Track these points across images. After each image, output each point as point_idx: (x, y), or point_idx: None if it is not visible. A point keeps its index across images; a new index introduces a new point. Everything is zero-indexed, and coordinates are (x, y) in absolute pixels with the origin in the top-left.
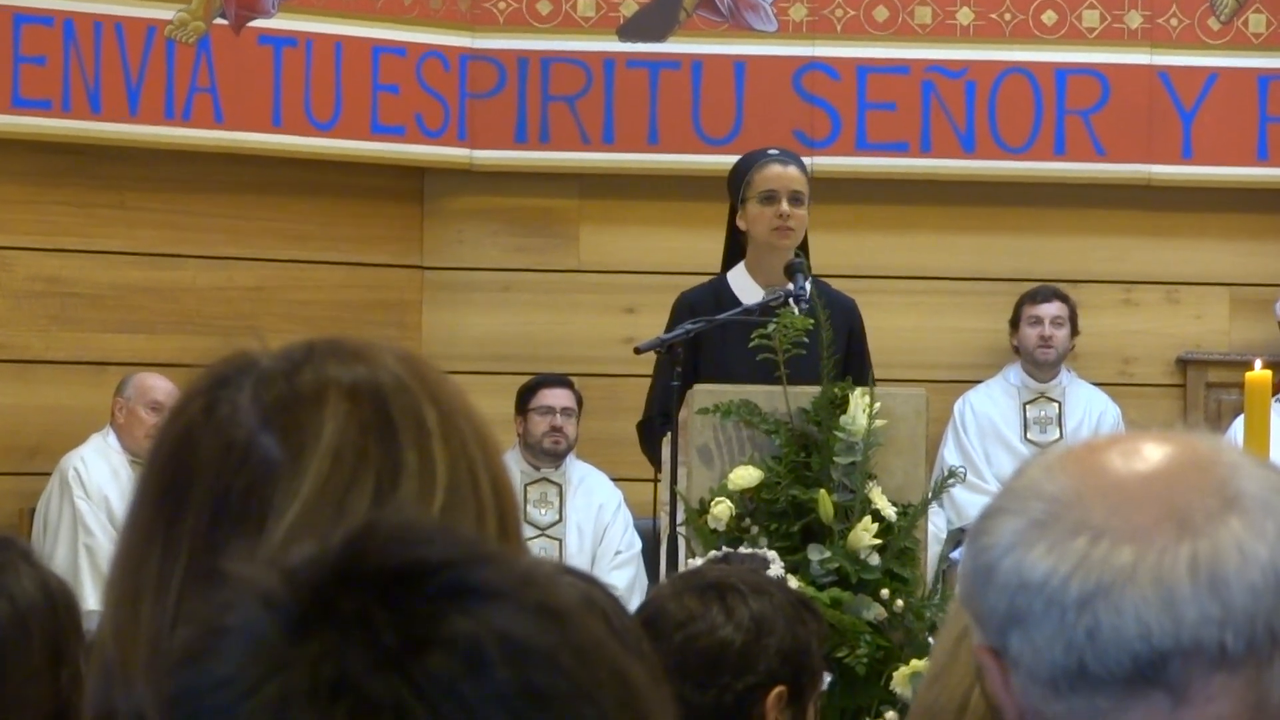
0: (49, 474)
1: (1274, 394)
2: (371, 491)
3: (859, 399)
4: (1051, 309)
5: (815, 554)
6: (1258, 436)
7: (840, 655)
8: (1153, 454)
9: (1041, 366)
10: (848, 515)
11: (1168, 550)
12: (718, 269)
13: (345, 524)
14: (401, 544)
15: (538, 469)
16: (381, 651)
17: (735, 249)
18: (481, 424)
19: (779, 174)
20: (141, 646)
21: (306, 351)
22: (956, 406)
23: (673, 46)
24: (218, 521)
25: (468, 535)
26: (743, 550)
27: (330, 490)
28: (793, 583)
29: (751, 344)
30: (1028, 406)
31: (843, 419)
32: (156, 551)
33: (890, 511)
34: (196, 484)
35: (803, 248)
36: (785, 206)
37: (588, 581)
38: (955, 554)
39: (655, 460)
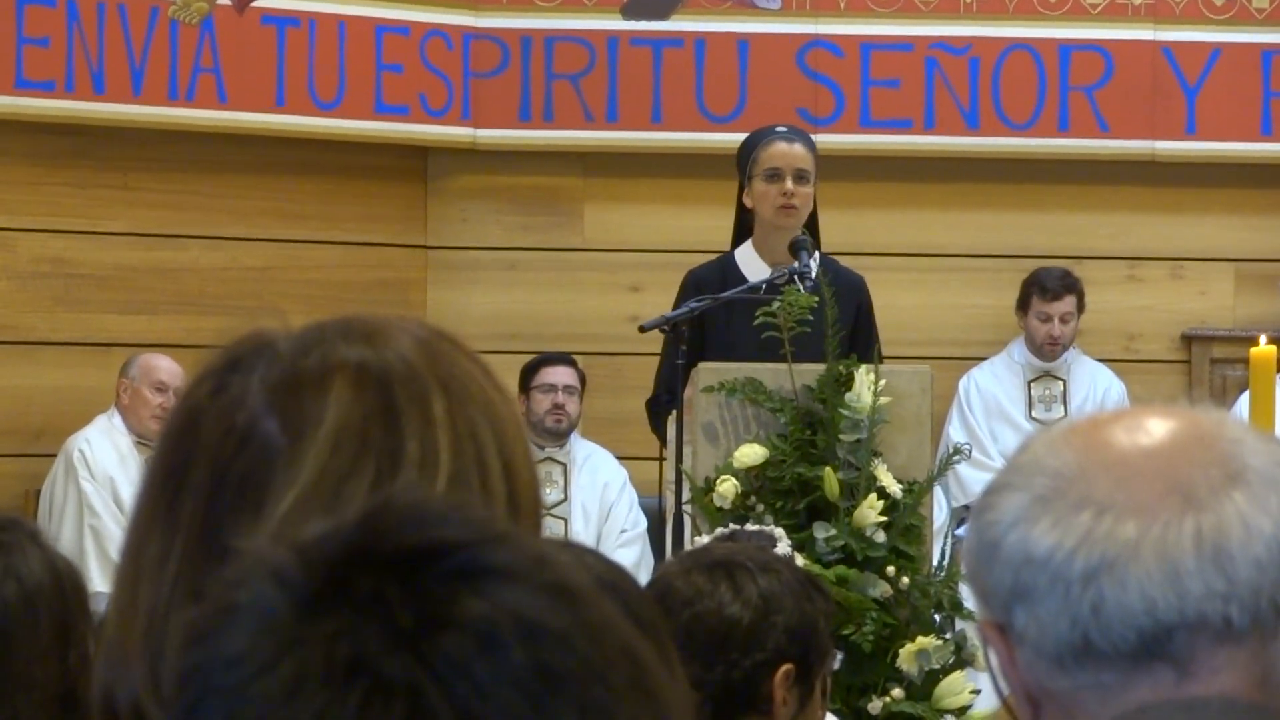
0: (54, 456)
1: (1279, 369)
2: (371, 479)
3: (864, 376)
4: (1061, 306)
5: (821, 531)
6: (1263, 412)
7: (846, 633)
8: (1156, 428)
9: (1048, 358)
10: (853, 493)
11: (1171, 524)
12: (722, 247)
13: (343, 511)
14: (416, 524)
15: (542, 448)
16: (397, 632)
17: (744, 226)
18: (500, 408)
19: (784, 152)
20: (138, 629)
21: (319, 332)
22: (961, 383)
23: (676, 24)
24: (215, 505)
25: (481, 515)
26: (749, 527)
27: (328, 477)
28: (799, 560)
29: (756, 322)
30: (1032, 384)
31: (848, 396)
32: (157, 533)
33: (896, 489)
34: (197, 466)
35: (813, 225)
36: (789, 185)
37: (598, 559)
38: (960, 531)
39: (664, 437)
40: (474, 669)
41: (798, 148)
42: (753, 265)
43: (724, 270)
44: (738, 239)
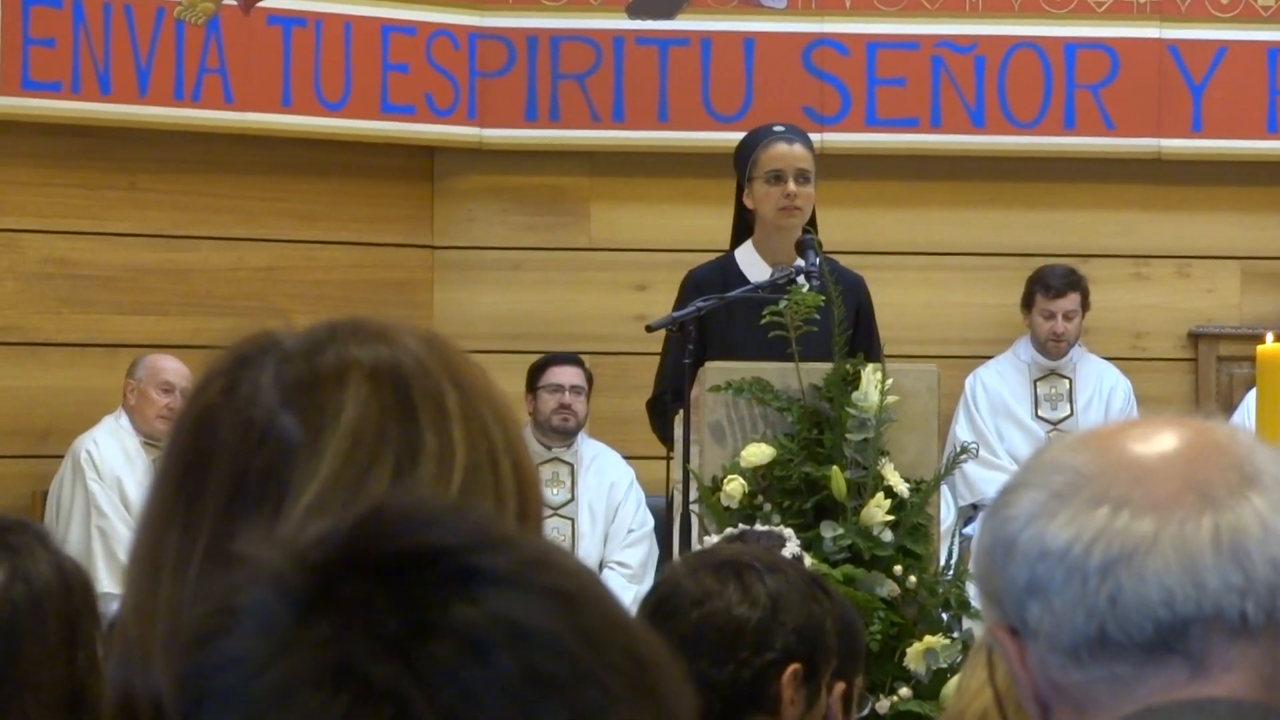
0: (61, 457)
1: None
2: (390, 473)
3: (871, 375)
4: (1065, 304)
5: (828, 531)
6: (1270, 410)
7: None
8: (1172, 435)
9: (1053, 355)
10: (860, 492)
11: (1189, 520)
12: (728, 246)
13: (346, 512)
14: (408, 527)
15: (549, 448)
16: (383, 638)
17: (743, 226)
18: (503, 405)
19: (785, 153)
20: (160, 626)
21: (329, 332)
22: (968, 382)
23: (682, 24)
24: (236, 501)
25: (478, 517)
26: (758, 528)
27: (349, 471)
28: (807, 560)
29: (763, 321)
30: (1038, 383)
31: (855, 395)
32: (176, 531)
33: (903, 487)
34: (216, 463)
35: (811, 224)
36: (792, 186)
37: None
38: (967, 530)
39: (665, 438)
40: (461, 675)
41: (798, 148)
42: (754, 265)
43: (724, 271)
44: (737, 238)
